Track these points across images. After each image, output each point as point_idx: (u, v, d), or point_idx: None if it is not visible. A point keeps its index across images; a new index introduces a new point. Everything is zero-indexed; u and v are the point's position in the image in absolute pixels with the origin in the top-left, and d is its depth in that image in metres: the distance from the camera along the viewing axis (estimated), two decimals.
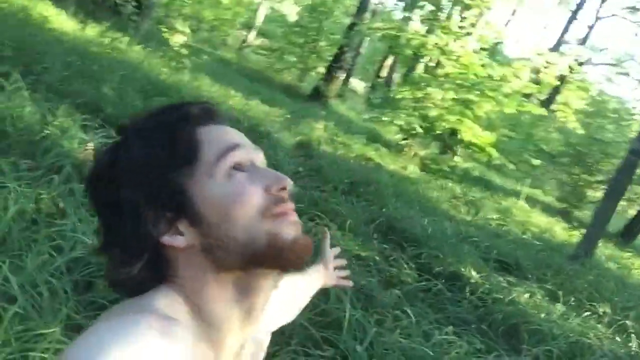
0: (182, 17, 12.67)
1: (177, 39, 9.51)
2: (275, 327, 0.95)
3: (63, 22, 8.73)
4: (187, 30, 10.05)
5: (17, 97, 4.27)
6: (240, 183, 0.65)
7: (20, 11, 7.72)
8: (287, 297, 1.02)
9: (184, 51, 9.37)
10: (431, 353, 3.04)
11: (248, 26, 21.90)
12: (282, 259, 0.65)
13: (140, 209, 0.63)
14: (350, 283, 1.31)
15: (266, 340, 0.85)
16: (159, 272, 0.66)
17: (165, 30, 9.94)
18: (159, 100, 6.06)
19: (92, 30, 9.02)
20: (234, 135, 0.70)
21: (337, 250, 1.31)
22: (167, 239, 0.64)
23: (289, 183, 0.67)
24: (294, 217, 0.67)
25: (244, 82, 12.43)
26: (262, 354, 0.82)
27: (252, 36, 22.18)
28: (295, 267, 0.67)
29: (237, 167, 0.66)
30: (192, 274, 0.65)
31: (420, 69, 14.45)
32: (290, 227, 0.66)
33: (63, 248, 2.61)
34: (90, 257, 2.67)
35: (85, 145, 4.09)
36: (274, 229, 0.64)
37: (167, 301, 0.63)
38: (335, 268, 1.28)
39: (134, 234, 0.63)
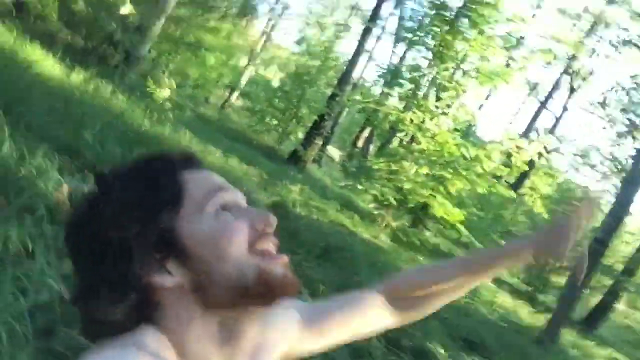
0: (168, 71, 12.88)
1: (162, 93, 9.62)
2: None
3: (49, 66, 8.77)
4: (173, 86, 10.19)
5: None
6: (227, 221, 0.66)
7: (6, 53, 7.74)
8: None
9: (168, 105, 9.46)
10: None
11: (231, 87, 22.34)
12: (270, 294, 0.66)
13: (128, 249, 0.62)
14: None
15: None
16: (143, 313, 0.65)
17: (151, 83, 10.05)
18: (140, 150, 6.06)
19: (77, 77, 9.07)
20: (218, 178, 0.72)
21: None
22: (156, 280, 0.64)
23: (273, 219, 0.69)
24: (285, 259, 0.68)
25: (224, 140, 12.54)
26: None
27: (234, 97, 22.58)
28: (280, 300, 0.67)
29: (224, 207, 0.67)
30: (178, 313, 0.65)
31: (395, 143, 14.84)
32: (280, 266, 0.67)
33: (28, 291, 2.52)
34: (54, 303, 2.58)
35: (60, 187, 4.02)
36: (263, 265, 0.65)
37: (153, 340, 0.63)
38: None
39: (121, 275, 0.62)
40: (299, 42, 21.97)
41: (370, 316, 0.97)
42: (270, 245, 0.68)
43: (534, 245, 0.97)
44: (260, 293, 0.65)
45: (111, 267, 0.63)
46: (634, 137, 11.83)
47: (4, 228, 2.98)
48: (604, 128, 17.43)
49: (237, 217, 0.67)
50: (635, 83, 12.44)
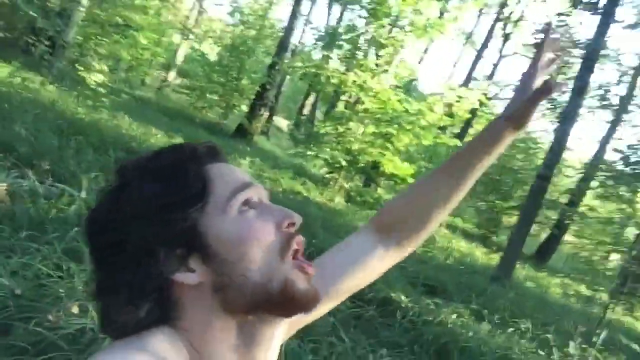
0: (98, 56, 12.35)
1: (95, 78, 9.24)
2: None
3: None
4: (105, 69, 9.80)
5: None
6: (252, 220, 0.65)
7: None
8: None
9: (102, 90, 9.11)
10: None
11: (167, 66, 21.71)
12: (291, 305, 0.66)
13: (151, 246, 0.61)
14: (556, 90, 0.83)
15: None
16: (161, 311, 0.64)
17: (82, 69, 9.64)
18: (77, 139, 5.85)
19: (1, 71, 8.60)
20: (243, 173, 0.71)
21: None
22: (179, 276, 0.63)
23: (298, 218, 0.68)
24: (311, 270, 0.68)
25: (165, 120, 12.23)
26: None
27: (172, 75, 21.97)
28: (299, 313, 0.68)
29: (247, 203, 0.66)
30: (197, 314, 0.64)
31: (341, 105, 14.88)
32: (305, 279, 0.67)
33: None
34: (7, 300, 2.52)
35: None
36: (291, 276, 0.65)
37: (165, 341, 0.62)
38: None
39: (144, 272, 0.61)
40: (232, 13, 21.42)
41: (372, 262, 0.91)
42: (298, 245, 0.67)
43: (507, 108, 0.88)
44: (281, 303, 0.65)
45: (132, 265, 0.61)
46: (565, 75, 12.31)
47: None
48: None
49: (260, 215, 0.66)
50: (561, 21, 12.85)
